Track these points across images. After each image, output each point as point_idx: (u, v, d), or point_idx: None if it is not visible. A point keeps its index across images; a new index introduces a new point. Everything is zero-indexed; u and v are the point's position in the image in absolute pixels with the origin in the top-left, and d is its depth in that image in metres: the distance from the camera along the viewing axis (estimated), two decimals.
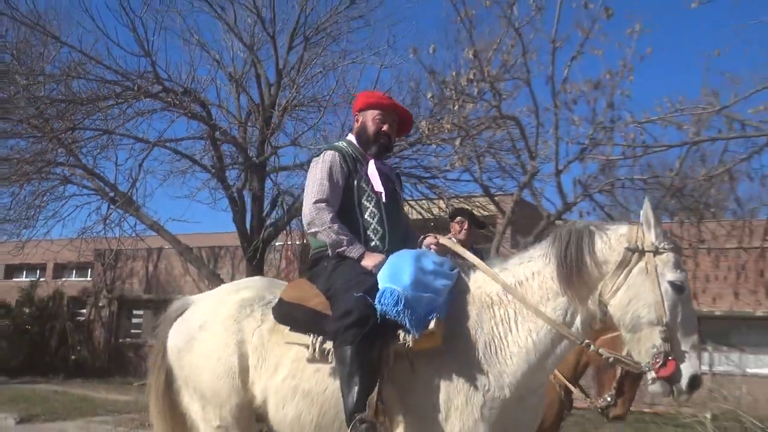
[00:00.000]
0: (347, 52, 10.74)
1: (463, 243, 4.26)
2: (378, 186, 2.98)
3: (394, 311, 2.53)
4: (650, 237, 2.51)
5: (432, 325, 2.53)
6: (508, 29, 8.77)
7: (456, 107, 8.77)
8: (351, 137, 3.13)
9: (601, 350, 2.61)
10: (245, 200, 11.22)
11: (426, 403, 2.55)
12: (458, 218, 4.86)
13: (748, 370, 12.41)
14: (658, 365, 2.39)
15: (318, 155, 3.00)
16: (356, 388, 2.49)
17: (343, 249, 2.78)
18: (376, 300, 2.56)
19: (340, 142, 3.12)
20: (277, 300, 2.85)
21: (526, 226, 10.29)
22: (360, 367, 2.51)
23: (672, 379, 2.37)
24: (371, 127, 3.03)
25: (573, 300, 2.55)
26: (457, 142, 9.16)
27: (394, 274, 2.61)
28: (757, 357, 13.82)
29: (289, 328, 2.75)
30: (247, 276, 11.14)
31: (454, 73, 9.03)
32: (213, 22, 11.62)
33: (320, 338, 2.66)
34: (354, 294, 2.60)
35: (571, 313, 2.58)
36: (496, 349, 2.58)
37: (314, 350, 2.66)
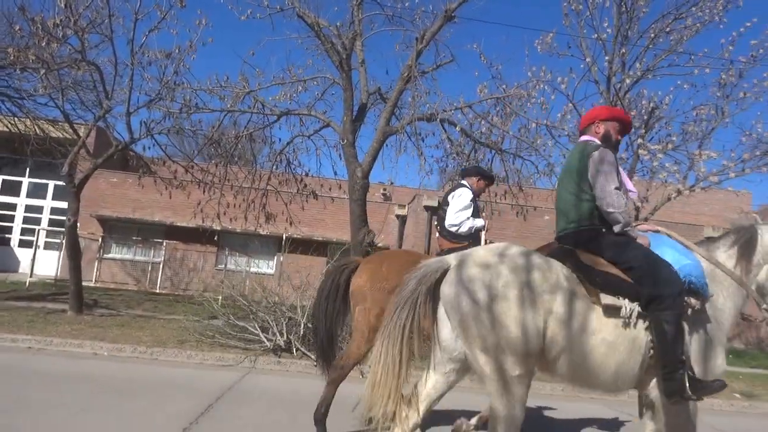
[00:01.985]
0: None
1: (478, 194, 5.66)
2: (632, 186, 3.72)
3: (702, 283, 3.22)
4: None
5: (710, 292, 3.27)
6: None
7: (42, 44, 10.65)
8: (593, 139, 3.68)
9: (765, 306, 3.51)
10: None
11: (696, 350, 3.19)
12: (478, 175, 5.71)
13: (252, 270, 17.65)
14: None
15: (594, 149, 3.48)
16: (679, 344, 3.03)
17: (629, 228, 3.36)
18: (687, 273, 3.19)
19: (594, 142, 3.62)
20: (582, 267, 3.24)
21: (101, 149, 12.81)
22: (681, 328, 3.06)
23: None
24: (614, 136, 3.72)
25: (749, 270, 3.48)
26: (42, 72, 11.06)
27: (685, 254, 3.35)
28: (257, 261, 19.58)
29: (599, 289, 3.15)
30: None
31: (41, 15, 10.84)
32: None
33: (627, 300, 3.14)
34: (672, 269, 3.18)
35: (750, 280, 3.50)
36: (720, 307, 3.36)
37: (626, 310, 3.12)
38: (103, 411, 5.04)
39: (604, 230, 3.37)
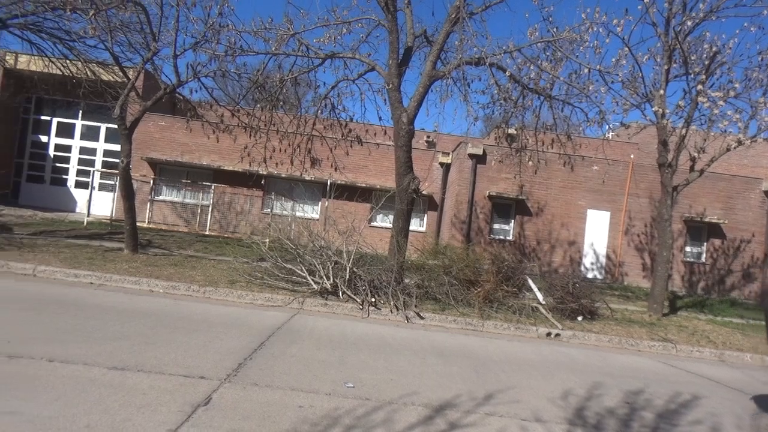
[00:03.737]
0: None
1: None
2: None
3: None
4: None
5: None
6: None
7: None
8: None
9: None
10: None
11: None
12: None
13: (297, 214, 17.92)
14: None
15: None
16: None
17: None
18: None
19: None
20: None
21: (149, 93, 13.03)
22: None
23: None
24: None
25: None
26: (90, 14, 11.17)
27: None
28: (302, 206, 19.84)
29: None
30: None
31: None
32: None
33: None
34: None
35: None
36: None
37: None
38: (164, 343, 5.30)
39: None
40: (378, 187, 19.54)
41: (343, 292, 9.22)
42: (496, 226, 19.07)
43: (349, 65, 12.21)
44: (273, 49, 11.90)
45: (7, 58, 16.03)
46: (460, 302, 9.70)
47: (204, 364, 4.72)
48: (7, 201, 18.01)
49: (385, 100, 11.86)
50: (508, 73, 10.95)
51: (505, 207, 19.10)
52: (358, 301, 8.93)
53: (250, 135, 12.68)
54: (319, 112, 12.77)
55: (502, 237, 18.98)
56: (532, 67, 11.51)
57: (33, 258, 9.29)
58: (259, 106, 12.99)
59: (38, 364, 4.19)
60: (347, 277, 9.42)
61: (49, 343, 4.82)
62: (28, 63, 15.78)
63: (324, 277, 9.38)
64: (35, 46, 12.73)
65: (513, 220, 19.08)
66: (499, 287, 10.23)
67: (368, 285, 9.34)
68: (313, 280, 9.38)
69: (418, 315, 8.76)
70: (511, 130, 13.44)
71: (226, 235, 17.97)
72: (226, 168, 19.83)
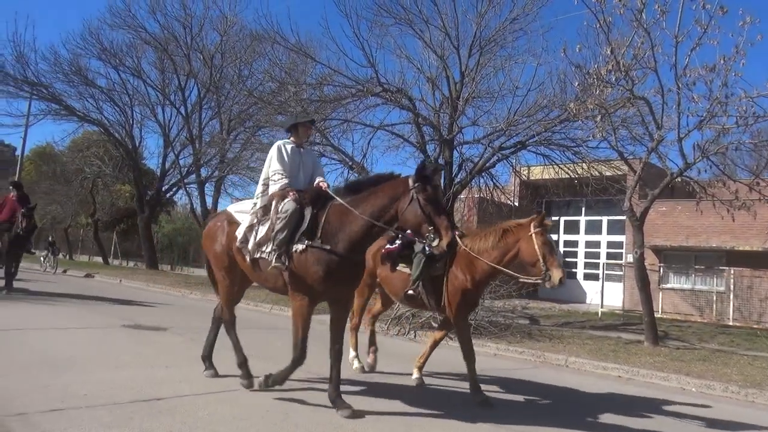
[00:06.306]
0: (511, 55, 14.16)
1: None
2: None
3: None
4: None
5: None
6: (638, 29, 11.38)
7: (597, 92, 11.61)
8: None
9: None
10: None
11: None
12: None
13: None
14: None
15: None
16: None
17: None
18: None
19: None
20: None
21: (651, 181, 12.86)
22: None
23: None
24: None
25: None
26: (598, 119, 11.97)
27: None
28: None
29: None
30: None
31: (596, 66, 11.83)
32: (415, 40, 15.43)
33: None
34: None
35: None
36: None
37: None
38: None
39: None
40: None
41: None
42: None
43: None
44: None
45: (523, 171, 18.70)
46: None
47: None
48: (530, 295, 20.45)
49: None
50: None
51: None
52: None
53: None
54: None
55: None
56: None
57: (562, 349, 10.01)
58: None
59: None
60: None
61: None
62: (541, 172, 18.03)
63: None
64: (546, 157, 14.50)
65: None
66: None
67: None
68: None
69: None
70: None
71: (752, 326, 15.67)
72: (741, 248, 17.66)
